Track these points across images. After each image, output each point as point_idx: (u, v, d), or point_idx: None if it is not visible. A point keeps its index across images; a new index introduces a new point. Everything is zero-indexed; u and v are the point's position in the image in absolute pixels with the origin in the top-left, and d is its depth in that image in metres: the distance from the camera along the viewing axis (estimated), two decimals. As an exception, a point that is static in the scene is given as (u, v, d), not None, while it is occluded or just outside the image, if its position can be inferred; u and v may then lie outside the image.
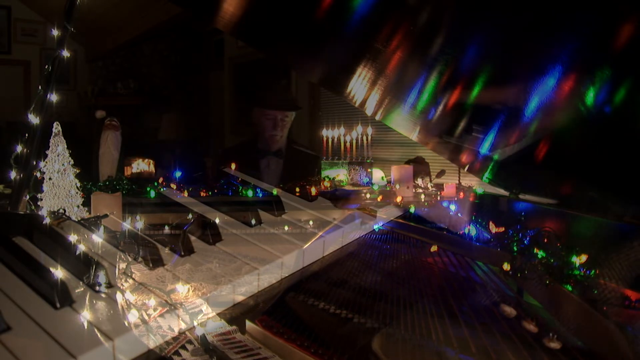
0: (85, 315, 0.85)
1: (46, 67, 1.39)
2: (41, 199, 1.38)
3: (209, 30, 5.85)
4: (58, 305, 0.87)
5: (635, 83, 0.93)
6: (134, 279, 1.03)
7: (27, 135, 1.36)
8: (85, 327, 0.82)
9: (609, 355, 0.86)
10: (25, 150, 1.35)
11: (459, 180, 2.17)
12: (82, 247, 1.05)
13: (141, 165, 2.13)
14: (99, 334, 0.79)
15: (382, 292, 1.08)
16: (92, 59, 6.34)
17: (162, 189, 1.76)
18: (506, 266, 1.17)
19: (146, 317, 0.88)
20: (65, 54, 1.40)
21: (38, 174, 1.40)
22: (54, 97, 1.38)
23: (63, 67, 1.39)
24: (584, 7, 0.85)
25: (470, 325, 0.91)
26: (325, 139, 2.26)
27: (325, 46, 1.57)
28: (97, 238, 1.18)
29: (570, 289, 1.04)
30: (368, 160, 2.18)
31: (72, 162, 1.40)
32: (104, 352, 0.77)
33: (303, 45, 1.68)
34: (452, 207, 1.70)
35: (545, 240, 1.27)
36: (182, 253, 1.19)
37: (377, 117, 2.05)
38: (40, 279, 0.92)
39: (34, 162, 1.36)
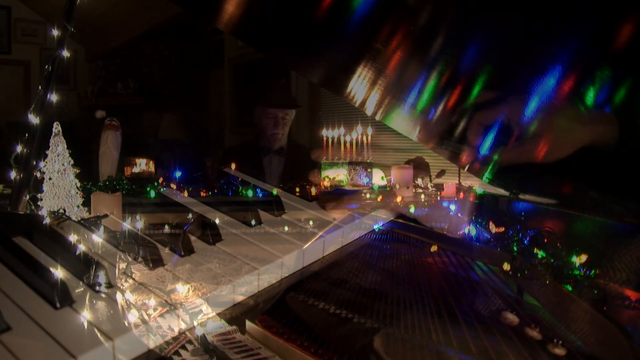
0: (85, 315, 0.85)
1: (46, 67, 1.38)
2: (41, 199, 1.38)
3: (209, 30, 5.85)
4: (58, 305, 0.86)
5: (635, 83, 0.94)
6: (134, 279, 1.03)
7: (27, 135, 1.36)
8: (85, 327, 0.82)
9: (609, 355, 0.86)
10: (25, 150, 1.35)
11: (459, 180, 2.17)
12: (82, 247, 1.05)
13: (141, 165, 2.13)
14: (99, 334, 0.79)
15: (382, 292, 1.08)
16: (92, 59, 6.35)
17: (162, 189, 1.76)
18: (506, 266, 1.17)
19: (146, 317, 0.88)
20: (65, 54, 1.39)
21: (38, 174, 1.40)
22: (54, 97, 1.38)
23: (63, 67, 1.39)
24: (584, 7, 0.85)
25: (470, 325, 0.91)
26: (325, 139, 2.26)
27: (325, 46, 1.57)
28: (97, 238, 1.18)
29: (570, 289, 1.04)
30: (368, 161, 2.18)
31: (72, 162, 1.40)
32: (104, 352, 0.77)
33: (303, 45, 1.68)
34: (452, 207, 1.70)
35: (545, 240, 1.27)
36: (182, 253, 1.19)
37: (377, 117, 2.05)
38: (40, 279, 0.92)
39: (34, 162, 1.36)
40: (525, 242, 1.26)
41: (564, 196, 1.54)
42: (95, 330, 0.81)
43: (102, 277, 0.97)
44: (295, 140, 2.99)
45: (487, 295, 1.06)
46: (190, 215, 1.51)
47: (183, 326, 0.92)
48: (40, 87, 1.37)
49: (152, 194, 1.70)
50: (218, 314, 0.98)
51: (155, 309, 0.91)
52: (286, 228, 1.46)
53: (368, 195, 1.84)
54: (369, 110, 1.99)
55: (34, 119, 1.35)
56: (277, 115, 2.67)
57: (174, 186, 1.79)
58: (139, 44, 6.08)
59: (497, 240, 1.33)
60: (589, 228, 1.33)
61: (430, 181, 2.14)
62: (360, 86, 1.72)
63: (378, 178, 2.20)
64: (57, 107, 1.40)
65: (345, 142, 2.23)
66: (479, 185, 1.98)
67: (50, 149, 1.38)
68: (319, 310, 0.99)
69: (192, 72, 6.33)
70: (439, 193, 1.97)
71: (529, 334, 0.89)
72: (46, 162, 1.37)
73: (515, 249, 1.24)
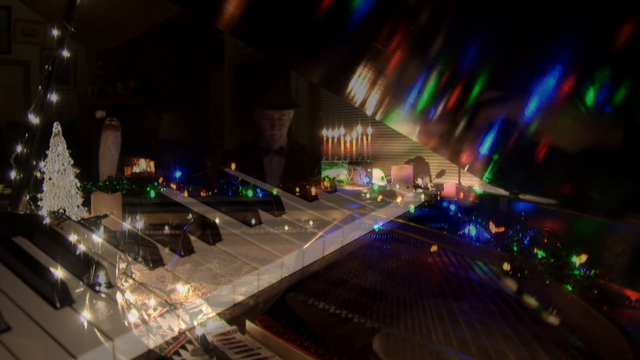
0: (85, 315, 0.85)
1: (46, 67, 1.38)
2: (41, 199, 1.38)
3: (209, 30, 5.84)
4: (58, 305, 0.87)
5: (635, 83, 0.93)
6: (134, 279, 1.03)
7: (27, 135, 1.36)
8: (85, 327, 0.82)
9: (609, 355, 0.86)
10: (25, 150, 1.35)
11: (459, 180, 2.17)
12: (82, 247, 1.05)
13: (141, 165, 2.13)
14: (99, 334, 0.79)
15: (382, 292, 1.08)
16: (92, 59, 6.35)
17: (162, 189, 1.76)
18: (506, 266, 1.17)
19: (146, 317, 0.88)
20: (65, 54, 1.40)
21: (38, 174, 1.39)
22: (54, 97, 1.38)
23: (63, 67, 1.39)
24: (584, 7, 0.85)
25: (470, 325, 0.91)
26: (325, 139, 2.26)
27: (325, 46, 1.57)
28: (97, 238, 1.18)
29: (570, 289, 1.04)
30: (368, 160, 2.18)
31: (72, 162, 1.40)
32: (104, 352, 0.77)
33: (303, 45, 1.68)
34: (452, 207, 1.71)
35: (545, 240, 1.27)
36: (182, 253, 1.19)
37: (377, 117, 2.05)
38: (40, 279, 0.92)
39: (34, 162, 1.36)
40: (525, 242, 1.26)
41: (564, 196, 1.54)
42: (95, 330, 0.81)
43: (102, 277, 0.97)
44: (295, 140, 3.00)
45: (487, 295, 1.06)
46: (190, 216, 1.51)
47: (183, 326, 0.92)
48: (40, 87, 1.37)
49: (152, 194, 1.70)
50: (218, 314, 0.98)
51: (155, 309, 0.91)
52: (286, 228, 1.46)
53: (368, 195, 1.84)
54: (369, 110, 1.99)
55: (34, 119, 1.35)
56: (274, 116, 2.67)
57: (174, 186, 1.79)
58: (139, 44, 6.07)
59: (497, 240, 1.33)
60: (589, 228, 1.33)
61: (430, 181, 2.14)
62: (360, 86, 1.72)
63: (378, 178, 2.20)
64: (57, 107, 1.40)
65: (345, 142, 2.23)
66: (479, 185, 1.98)
67: (50, 149, 1.38)
68: (319, 310, 0.99)
69: (192, 72, 6.31)
70: (439, 193, 1.97)
71: (527, 302, 0.87)
72: (46, 162, 1.37)
73: (515, 249, 1.24)
